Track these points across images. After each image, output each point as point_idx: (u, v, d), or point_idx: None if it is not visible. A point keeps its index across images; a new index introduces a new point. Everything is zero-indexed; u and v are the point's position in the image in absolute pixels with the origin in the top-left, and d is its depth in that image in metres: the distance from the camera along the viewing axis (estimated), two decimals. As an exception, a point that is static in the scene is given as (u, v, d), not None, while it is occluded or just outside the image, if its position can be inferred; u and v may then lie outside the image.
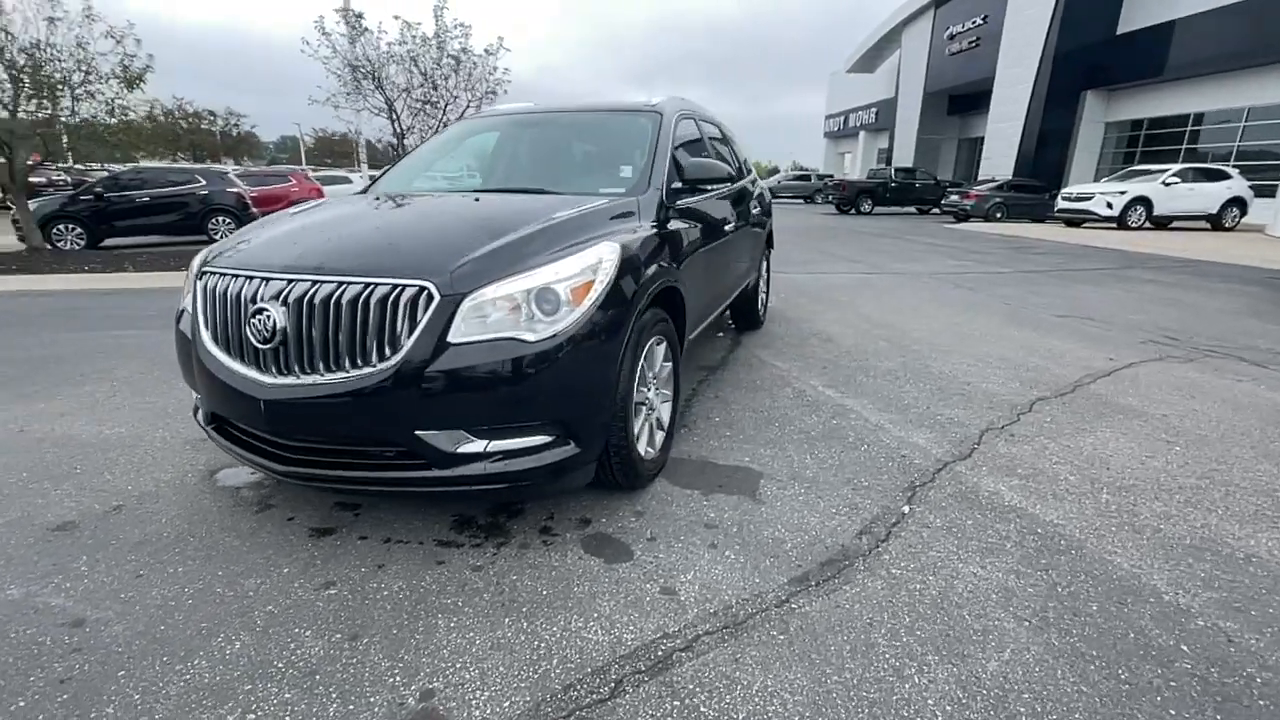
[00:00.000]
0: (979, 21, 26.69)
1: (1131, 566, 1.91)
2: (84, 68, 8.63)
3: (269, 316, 1.77)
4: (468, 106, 10.15)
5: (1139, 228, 15.08)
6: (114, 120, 9.24)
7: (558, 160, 3.10)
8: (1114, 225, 15.09)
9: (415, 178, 3.13)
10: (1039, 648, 1.58)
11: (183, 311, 2.19)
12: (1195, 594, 1.79)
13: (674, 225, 2.69)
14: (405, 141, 10.31)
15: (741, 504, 2.29)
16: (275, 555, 1.97)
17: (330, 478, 1.89)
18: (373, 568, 1.91)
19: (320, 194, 13.97)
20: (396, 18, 9.31)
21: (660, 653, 1.56)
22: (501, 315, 1.81)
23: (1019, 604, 1.74)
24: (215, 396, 1.97)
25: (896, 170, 23.94)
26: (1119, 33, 21.36)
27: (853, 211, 22.37)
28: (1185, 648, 1.58)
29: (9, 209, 9.67)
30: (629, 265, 2.11)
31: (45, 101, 8.66)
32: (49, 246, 10.00)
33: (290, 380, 1.80)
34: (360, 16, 9.42)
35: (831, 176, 31.49)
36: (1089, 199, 15.71)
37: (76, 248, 10.53)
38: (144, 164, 13.29)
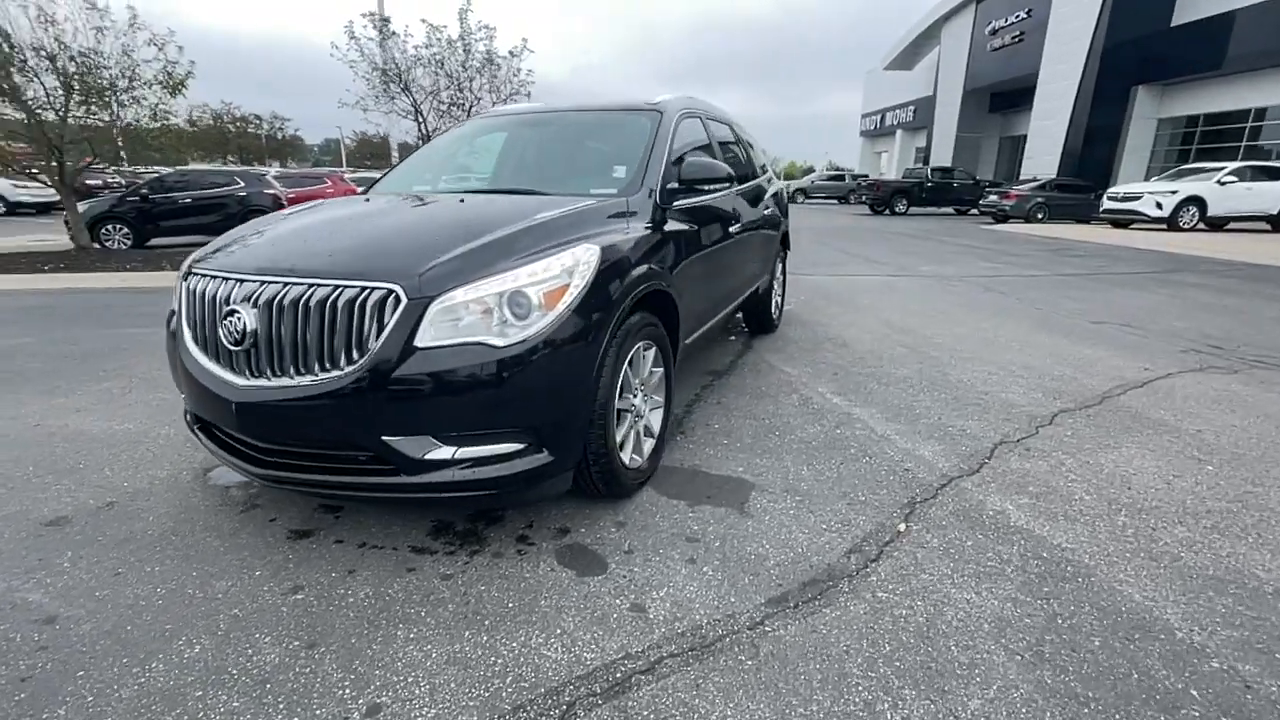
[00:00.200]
0: (1023, 15, 25.81)
1: (1143, 598, 1.76)
2: (128, 74, 8.98)
3: (240, 318, 1.77)
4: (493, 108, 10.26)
5: (1191, 229, 14.33)
6: (156, 125, 9.60)
7: (553, 161, 3.06)
8: (1164, 227, 14.36)
9: (411, 179, 3.13)
10: (1029, 686, 1.46)
11: (173, 313, 2.22)
12: (1212, 631, 1.63)
13: (669, 227, 2.62)
14: (432, 143, 10.44)
15: (728, 517, 2.21)
16: (251, 557, 1.97)
17: (302, 481, 1.87)
18: (343, 573, 1.89)
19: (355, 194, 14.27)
20: (423, 21, 9.45)
21: (619, 675, 1.49)
22: (474, 319, 1.77)
23: (1012, 636, 1.62)
24: (195, 397, 1.98)
25: (933, 170, 23.31)
26: (1174, 24, 20.36)
27: (886, 212, 21.85)
28: (1195, 693, 1.44)
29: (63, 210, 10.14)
30: (611, 268, 2.04)
31: (93, 107, 9.04)
32: (97, 246, 10.45)
33: (261, 382, 1.79)
34: (387, 20, 9.59)
35: (866, 176, 30.87)
36: (1137, 199, 15.00)
37: (123, 247, 10.99)
38: (192, 166, 13.85)
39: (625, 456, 2.24)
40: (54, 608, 1.72)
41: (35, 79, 8.47)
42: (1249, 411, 3.21)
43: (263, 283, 1.80)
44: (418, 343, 1.71)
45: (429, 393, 1.72)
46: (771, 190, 4.59)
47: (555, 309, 1.83)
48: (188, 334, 2.00)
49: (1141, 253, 10.74)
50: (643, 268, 2.24)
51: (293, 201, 12.87)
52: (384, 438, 1.74)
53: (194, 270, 2.07)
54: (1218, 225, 14.81)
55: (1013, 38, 26.56)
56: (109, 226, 11.16)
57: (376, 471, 1.80)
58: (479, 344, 1.73)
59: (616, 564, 1.93)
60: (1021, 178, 22.99)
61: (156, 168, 14.27)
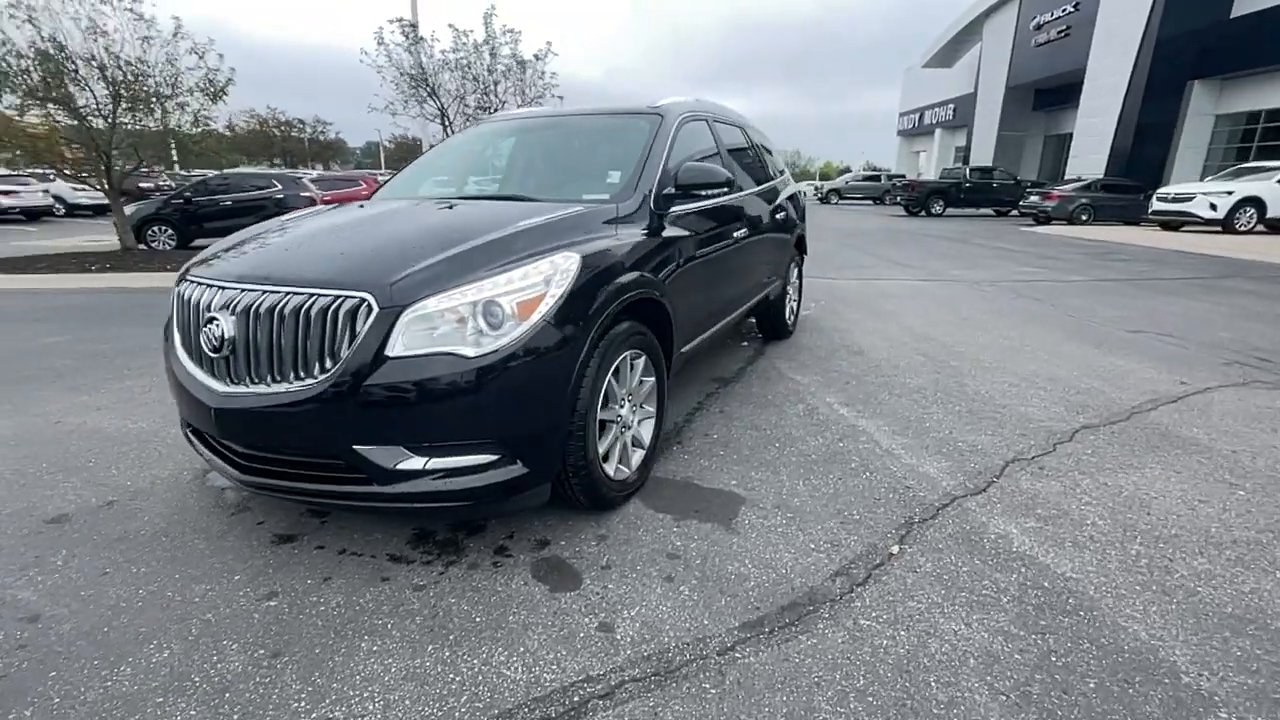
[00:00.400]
0: (1070, 9, 24.85)
1: (1149, 636, 1.64)
2: (171, 81, 9.33)
3: (219, 325, 1.79)
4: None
5: (1248, 232, 13.55)
6: (197, 130, 9.96)
7: (549, 166, 3.03)
8: (1219, 229, 13.61)
9: (411, 185, 3.15)
10: (1011, 730, 1.36)
11: (170, 319, 2.26)
12: (1224, 677, 1.50)
13: (667, 233, 2.57)
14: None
15: (713, 533, 2.14)
16: (233, 561, 1.99)
17: (281, 488, 1.88)
18: (319, 580, 1.89)
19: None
20: (451, 26, 9.59)
21: (576, 699, 1.45)
22: (449, 329, 1.75)
23: (1000, 673, 1.52)
24: (182, 402, 2.02)
25: (972, 169, 22.63)
26: (1234, 15, 19.29)
27: (922, 213, 21.30)
28: (1196, 746, 1.33)
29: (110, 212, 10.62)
30: (593, 276, 2.01)
31: (139, 113, 9.43)
32: (143, 247, 10.91)
33: (240, 389, 1.80)
34: (414, 26, 9.75)
35: (903, 176, 30.16)
36: (1189, 199, 14.25)
37: (168, 248, 11.45)
38: (242, 169, 14.35)
39: (610, 468, 2.19)
40: (39, 606, 1.77)
41: (86, 88, 8.88)
42: (1293, 431, 2.99)
43: (241, 290, 1.82)
44: (389, 352, 1.70)
45: (400, 403, 1.70)
46: (786, 193, 4.48)
47: (530, 319, 1.80)
48: (177, 339, 2.04)
49: (1191, 257, 10.20)
50: (630, 275, 2.19)
51: (328, 203, 13.26)
52: (355, 447, 1.74)
53: (186, 276, 2.10)
54: (1278, 228, 13.97)
55: (1059, 32, 25.59)
56: (155, 228, 11.66)
57: (349, 480, 1.80)
58: (450, 354, 1.71)
59: (592, 579, 1.89)
60: (1066, 177, 22.12)
61: (200, 171, 14.87)
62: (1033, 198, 18.51)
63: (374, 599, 1.80)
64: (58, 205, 19.98)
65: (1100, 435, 2.95)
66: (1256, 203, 13.47)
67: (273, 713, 1.41)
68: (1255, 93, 19.40)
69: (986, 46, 31.51)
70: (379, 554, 2.02)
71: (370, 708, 1.43)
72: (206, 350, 1.83)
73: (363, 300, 1.71)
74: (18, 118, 9.09)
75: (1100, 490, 2.42)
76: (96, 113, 9.03)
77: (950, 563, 1.96)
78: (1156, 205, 15.15)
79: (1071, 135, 24.74)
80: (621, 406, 2.24)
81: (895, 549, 2.04)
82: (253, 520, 2.23)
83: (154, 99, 9.41)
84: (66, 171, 9.84)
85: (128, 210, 10.69)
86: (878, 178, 31.77)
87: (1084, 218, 17.13)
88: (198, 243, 11.69)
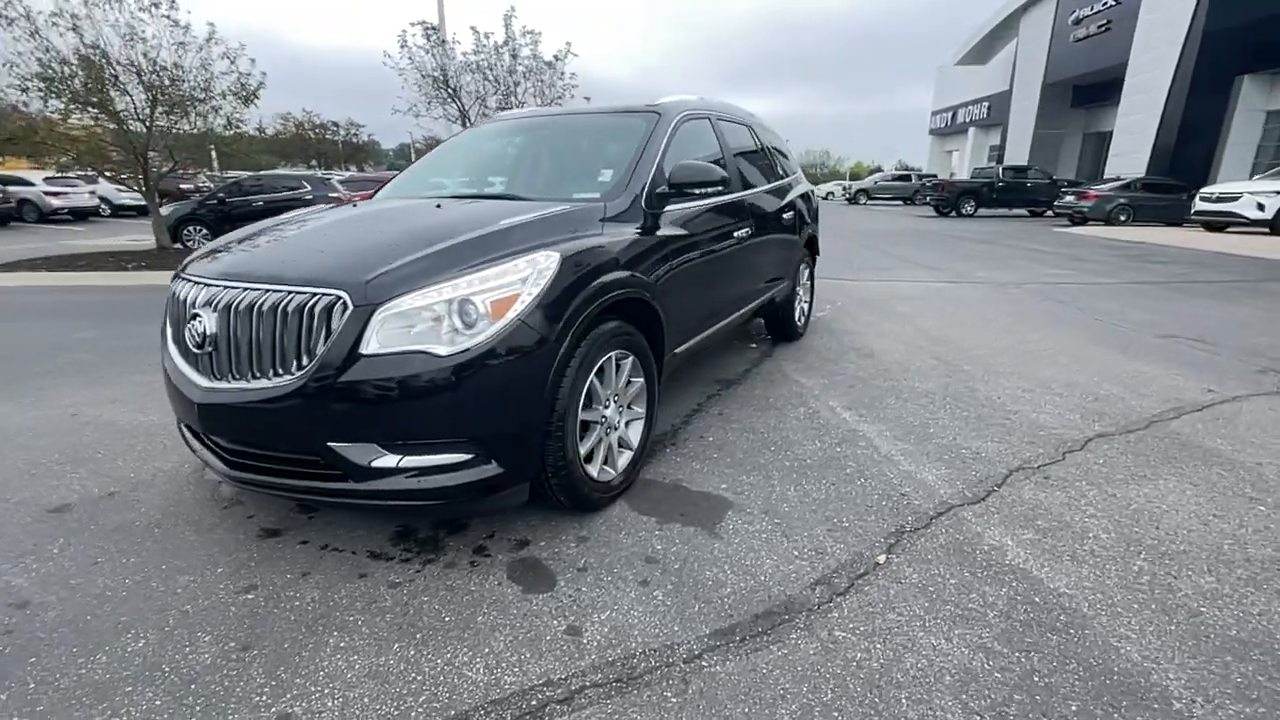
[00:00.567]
0: (1111, 3, 24.00)
1: (1142, 658, 1.55)
2: (204, 85, 9.63)
3: (201, 322, 1.82)
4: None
5: (1300, 233, 12.89)
6: (229, 133, 10.26)
7: (544, 165, 3.03)
8: (1266, 230, 12.99)
9: (410, 185, 3.17)
10: (980, 752, 1.30)
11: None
12: (1219, 705, 1.41)
13: (660, 232, 2.54)
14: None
15: (695, 537, 2.10)
16: (219, 553, 2.02)
17: (264, 484, 1.91)
18: (298, 575, 1.91)
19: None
20: (473, 29, 9.70)
21: (534, 702, 1.43)
22: (424, 327, 1.76)
23: (975, 692, 1.45)
24: (172, 397, 2.06)
25: (1005, 169, 22.02)
26: (1288, 7, 18.40)
27: (952, 214, 20.82)
28: (1181, 777, 1.25)
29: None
30: (575, 275, 1.99)
31: (174, 116, 9.76)
32: (178, 246, 11.29)
33: (221, 385, 1.83)
34: (435, 29, 9.89)
35: (934, 176, 29.52)
36: (1234, 199, 13.62)
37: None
38: (279, 170, 14.74)
39: (594, 469, 2.18)
40: (30, 593, 1.82)
41: (125, 93, 9.22)
42: (1326, 444, 2.82)
43: (224, 287, 1.85)
44: (363, 349, 1.70)
45: (373, 400, 1.71)
46: (796, 192, 4.41)
47: (504, 318, 1.79)
48: (169, 335, 2.09)
49: (1234, 259, 9.75)
50: (615, 275, 2.17)
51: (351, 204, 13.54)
52: (330, 444, 1.75)
53: (179, 274, 2.15)
54: (1333, 229, 13.26)
55: (1099, 27, 24.74)
56: (190, 228, 12.08)
57: (326, 477, 1.81)
58: (422, 353, 1.71)
59: (566, 581, 1.87)
60: (1105, 176, 21.37)
61: (235, 173, 15.33)
62: (1068, 197, 17.92)
63: (348, 595, 1.81)
64: (104, 206, 20.83)
65: (1114, 444, 2.83)
66: (1309, 202, 12.81)
67: (234, 705, 1.43)
68: (1310, 87, 18.49)
69: (1023, 42, 30.65)
70: (360, 550, 2.03)
71: (329, 704, 1.43)
72: (191, 346, 1.86)
73: (338, 298, 1.72)
74: (62, 122, 9.48)
75: (1107, 502, 2.32)
76: (134, 116, 9.37)
77: (938, 574, 1.89)
78: (1199, 205, 14.51)
79: (1111, 133, 23.91)
80: (606, 407, 2.22)
81: (882, 558, 1.97)
82: (243, 514, 2.27)
83: (189, 102, 9.73)
84: (108, 173, 10.23)
85: (165, 210, 11.08)
86: (908, 177, 31.18)
87: (1122, 218, 16.53)
88: (230, 242, 12.08)
